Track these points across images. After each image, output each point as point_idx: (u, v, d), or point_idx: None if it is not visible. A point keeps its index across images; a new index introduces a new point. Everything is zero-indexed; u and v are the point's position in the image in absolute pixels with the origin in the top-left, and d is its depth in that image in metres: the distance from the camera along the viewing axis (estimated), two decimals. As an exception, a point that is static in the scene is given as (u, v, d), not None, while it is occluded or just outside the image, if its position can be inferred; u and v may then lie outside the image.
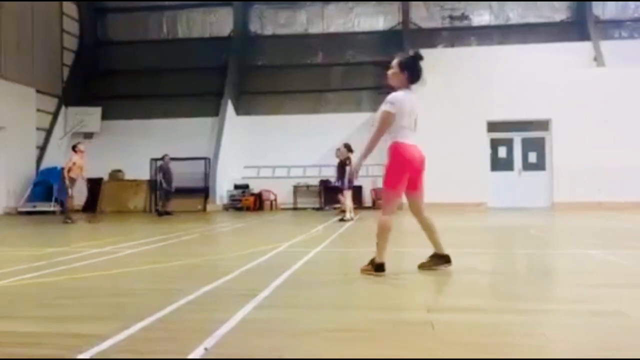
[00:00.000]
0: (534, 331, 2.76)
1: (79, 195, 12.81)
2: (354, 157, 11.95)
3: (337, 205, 15.24)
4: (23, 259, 5.80)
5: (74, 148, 13.00)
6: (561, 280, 4.57)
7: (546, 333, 2.72)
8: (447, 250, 4.66)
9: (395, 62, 4.42)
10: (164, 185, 15.66)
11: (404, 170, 4.34)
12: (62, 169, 12.77)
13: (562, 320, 3.00)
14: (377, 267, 4.34)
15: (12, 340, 2.66)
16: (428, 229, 4.61)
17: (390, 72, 4.46)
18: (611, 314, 3.08)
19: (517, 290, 3.92)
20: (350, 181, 11.64)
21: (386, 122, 4.32)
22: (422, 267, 4.63)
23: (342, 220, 11.30)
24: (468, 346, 2.48)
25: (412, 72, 4.36)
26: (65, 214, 12.53)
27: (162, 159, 16.00)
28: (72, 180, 12.50)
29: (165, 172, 15.74)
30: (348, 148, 12.00)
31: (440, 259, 4.59)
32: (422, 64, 4.37)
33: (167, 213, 15.50)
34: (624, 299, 3.50)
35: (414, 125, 4.48)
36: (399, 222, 12.04)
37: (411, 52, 4.43)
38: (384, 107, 4.34)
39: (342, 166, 11.94)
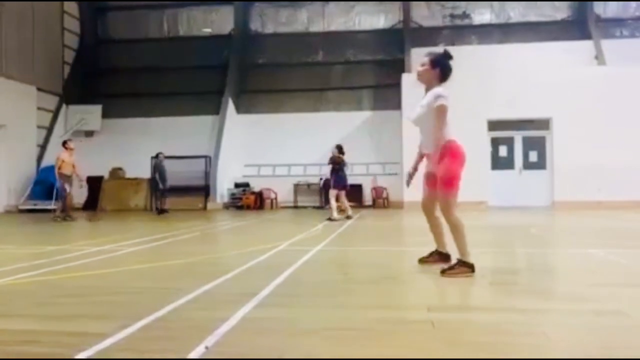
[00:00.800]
0: (534, 330, 2.76)
1: (76, 193, 12.78)
2: (345, 158, 11.97)
3: (337, 204, 15.23)
4: (23, 257, 5.81)
5: (64, 144, 12.92)
6: (561, 280, 4.57)
7: (546, 332, 2.71)
8: (448, 250, 4.68)
9: (426, 59, 4.41)
10: (160, 184, 15.56)
11: (462, 167, 4.36)
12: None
13: (563, 319, 3.00)
14: (471, 266, 4.22)
15: (11, 339, 2.66)
16: (438, 231, 4.72)
17: (421, 69, 4.44)
18: (611, 313, 3.08)
19: (518, 290, 3.92)
20: (337, 181, 11.60)
21: (445, 116, 4.30)
22: (422, 261, 4.70)
23: (329, 219, 11.11)
24: (468, 345, 2.48)
25: (443, 69, 4.38)
26: (64, 211, 12.50)
27: (156, 157, 15.87)
28: (66, 177, 12.44)
29: (160, 170, 15.61)
30: (339, 149, 11.90)
31: (445, 259, 4.65)
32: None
33: (164, 211, 15.47)
34: (624, 298, 3.49)
35: None
36: (399, 221, 12.03)
37: (442, 50, 4.43)
38: (441, 101, 4.27)
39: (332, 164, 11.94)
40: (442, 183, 4.30)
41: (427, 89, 4.45)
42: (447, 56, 4.39)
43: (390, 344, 2.52)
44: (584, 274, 4.63)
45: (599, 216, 12.19)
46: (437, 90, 4.33)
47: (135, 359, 2.33)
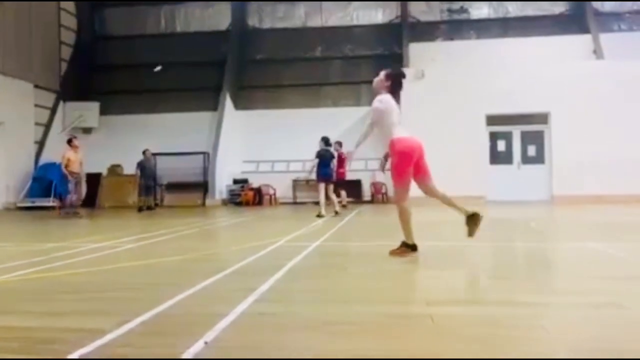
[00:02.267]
0: (533, 323, 2.76)
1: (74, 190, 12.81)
2: (344, 150, 11.86)
3: (337, 200, 15.22)
4: (22, 255, 5.80)
5: (69, 142, 12.91)
6: (560, 273, 4.58)
7: (545, 325, 2.72)
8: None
9: (383, 72, 5.22)
10: (142, 180, 15.40)
11: (408, 162, 4.89)
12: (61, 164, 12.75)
13: (561, 312, 3.01)
14: (412, 247, 4.94)
15: (10, 336, 2.65)
16: (447, 201, 5.06)
17: (376, 78, 5.23)
18: (610, 306, 3.08)
19: (517, 283, 3.93)
20: (324, 174, 11.33)
21: (376, 117, 5.03)
22: (470, 234, 4.98)
23: (318, 216, 10.70)
24: (467, 339, 2.49)
25: (393, 84, 5.16)
26: (67, 208, 12.57)
27: (143, 153, 15.77)
28: (74, 175, 12.51)
29: (143, 167, 15.48)
30: (325, 142, 11.75)
31: (472, 219, 4.97)
32: (411, 70, 4.96)
33: (149, 208, 15.39)
34: (623, 291, 3.50)
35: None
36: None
37: (399, 70, 5.39)
38: (375, 104, 5.06)
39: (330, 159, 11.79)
40: (392, 177, 5.00)
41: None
42: (402, 75, 5.28)
43: (389, 339, 2.53)
44: (582, 267, 4.64)
45: (597, 210, 12.21)
46: (381, 95, 5.12)
47: (134, 358, 2.33)
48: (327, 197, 11.45)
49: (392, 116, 5.02)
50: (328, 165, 11.53)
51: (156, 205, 18.65)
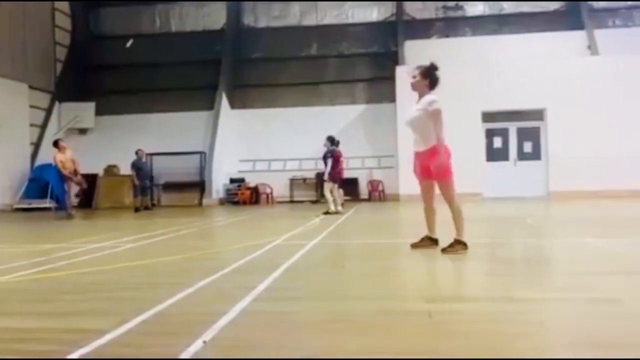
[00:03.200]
0: (531, 319, 2.78)
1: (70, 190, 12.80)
2: (341, 148, 11.77)
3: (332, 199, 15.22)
4: (22, 256, 5.79)
5: (55, 145, 12.77)
6: (558, 269, 4.60)
7: (543, 321, 2.74)
8: (445, 240, 4.76)
9: (417, 71, 5.13)
10: (136, 181, 15.36)
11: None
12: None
13: (559, 308, 3.03)
14: (464, 244, 5.00)
15: (11, 337, 2.66)
16: (433, 213, 5.29)
17: (414, 80, 5.14)
18: (607, 301, 3.10)
19: (515, 280, 3.95)
20: (330, 173, 11.32)
21: (441, 118, 5.00)
22: (444, 250, 4.98)
23: (326, 213, 10.90)
24: (466, 335, 2.50)
25: (432, 79, 5.10)
26: (65, 210, 12.58)
27: (136, 153, 15.72)
28: (72, 175, 12.50)
29: (138, 168, 15.43)
30: (331, 141, 11.68)
31: (459, 244, 5.01)
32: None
33: (146, 208, 15.35)
34: (620, 287, 3.53)
35: None
36: (395, 214, 12.06)
37: (429, 63, 5.11)
38: (435, 105, 4.98)
39: (324, 158, 11.67)
40: (443, 176, 5.05)
41: (420, 96, 5.14)
42: (434, 68, 5.12)
43: (388, 336, 2.54)
44: (579, 263, 4.66)
45: (594, 205, 12.26)
46: (430, 97, 5.05)
47: (134, 358, 2.33)
48: (323, 195, 11.47)
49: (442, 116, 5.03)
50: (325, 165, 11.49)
51: (153, 205, 18.66)
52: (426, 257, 4.93)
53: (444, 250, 4.98)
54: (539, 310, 2.97)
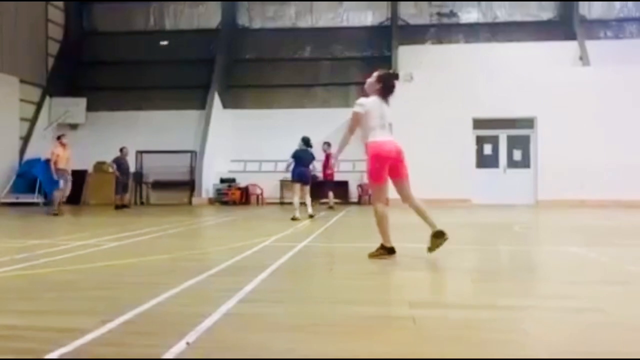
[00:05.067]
0: (515, 327, 2.80)
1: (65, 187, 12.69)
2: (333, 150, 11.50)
3: (324, 200, 15.24)
4: (4, 251, 5.72)
5: (58, 139, 12.86)
6: (542, 277, 4.63)
7: (526, 329, 2.75)
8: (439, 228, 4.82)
9: (376, 74, 5.17)
10: (119, 178, 15.30)
11: (382, 164, 4.93)
12: (48, 160, 12.59)
13: (543, 316, 3.04)
14: (389, 250, 4.96)
15: (-9, 334, 2.62)
16: (419, 211, 5.05)
17: (369, 80, 5.18)
18: (590, 310, 3.13)
19: (499, 287, 3.96)
20: (299, 175, 10.80)
21: (354, 121, 5.08)
22: (430, 250, 4.92)
23: (292, 219, 10.20)
24: (449, 341, 2.51)
25: (385, 86, 5.11)
26: (52, 206, 12.44)
27: (120, 150, 15.61)
28: (62, 172, 12.36)
29: (119, 164, 15.35)
30: (305, 142, 11.37)
31: (438, 236, 4.88)
32: (404, 70, 4.95)
33: (124, 206, 15.28)
34: (603, 296, 3.55)
35: (388, 129, 5.11)
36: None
37: (391, 71, 5.30)
38: (354, 108, 5.09)
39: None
40: (367, 179, 5.17)
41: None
42: (394, 76, 5.24)
43: (372, 340, 2.54)
44: (564, 271, 4.70)
45: (581, 215, 12.36)
46: (362, 98, 5.15)
47: (115, 358, 2.31)
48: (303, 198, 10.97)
49: (372, 120, 4.99)
50: (306, 166, 11.01)
51: (142, 203, 18.56)
52: (412, 262, 4.94)
53: (370, 254, 4.99)
54: (523, 318, 2.98)
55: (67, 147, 12.60)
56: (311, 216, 10.56)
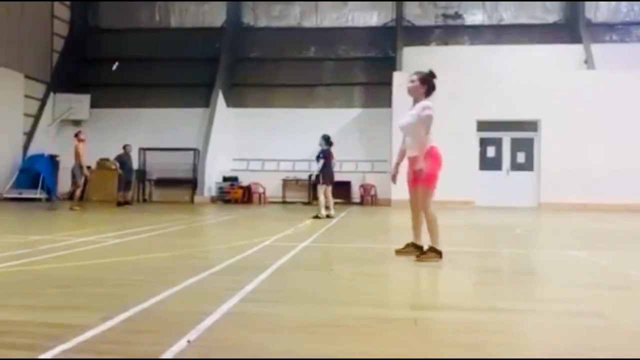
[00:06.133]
0: (515, 330, 2.80)
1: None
2: (333, 150, 11.30)
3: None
4: (6, 247, 5.74)
5: (76, 135, 13.22)
6: (543, 280, 4.62)
7: (526, 332, 2.75)
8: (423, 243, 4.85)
9: (416, 77, 5.18)
10: (122, 175, 15.33)
11: (440, 168, 5.10)
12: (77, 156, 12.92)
13: (542, 320, 3.04)
14: (440, 253, 4.96)
15: (-7, 329, 2.63)
16: (420, 221, 5.19)
17: (411, 85, 5.19)
18: (590, 314, 3.12)
19: (500, 290, 3.96)
20: (325, 176, 10.86)
21: (430, 124, 5.02)
22: (418, 258, 4.99)
23: (315, 217, 10.46)
24: (449, 344, 2.51)
25: (429, 87, 5.17)
26: (72, 200, 12.89)
27: (123, 148, 15.64)
28: (82, 167, 12.91)
29: (122, 162, 15.38)
30: (326, 140, 11.07)
31: (433, 251, 5.00)
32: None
33: (127, 203, 15.32)
34: (603, 300, 3.55)
35: None
36: (386, 219, 12.06)
37: (429, 70, 5.20)
38: (428, 112, 5.01)
39: (317, 158, 11.13)
40: (423, 181, 5.00)
41: (415, 101, 5.18)
42: (432, 75, 5.19)
43: (372, 342, 2.54)
44: (565, 275, 4.69)
45: (583, 218, 12.33)
46: (425, 102, 5.10)
47: (116, 356, 2.32)
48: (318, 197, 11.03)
49: (432, 124, 5.05)
50: (330, 166, 11.00)
51: (144, 200, 18.60)
52: (414, 263, 4.93)
53: (418, 257, 4.98)
54: (522, 321, 2.98)
55: (85, 142, 13.05)
56: (316, 217, 10.60)
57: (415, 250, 5.17)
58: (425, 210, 5.03)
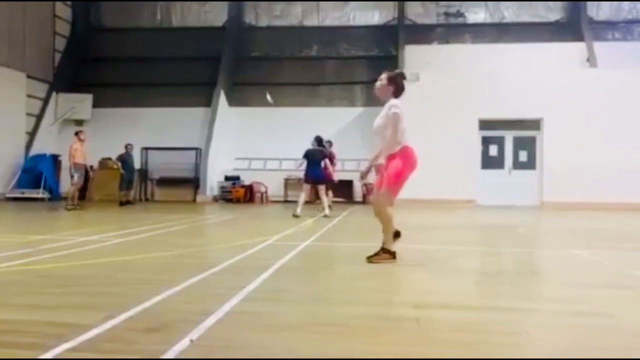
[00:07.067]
0: (518, 330, 2.79)
1: (66, 182, 12.99)
2: (335, 150, 11.39)
3: (318, 202, 15.19)
4: (8, 246, 5.75)
5: (76, 134, 13.19)
6: (546, 280, 4.61)
7: (529, 332, 2.75)
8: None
9: (384, 76, 5.05)
10: (124, 174, 15.35)
11: (411, 170, 4.88)
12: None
13: (546, 319, 3.03)
14: (393, 254, 4.81)
15: (-5, 328, 2.64)
16: (386, 223, 4.97)
17: (378, 84, 5.07)
18: (593, 314, 3.12)
19: (503, 289, 3.95)
20: (313, 176, 10.96)
21: (397, 123, 4.85)
22: (369, 259, 4.83)
23: (294, 215, 10.43)
24: (452, 343, 2.50)
25: (397, 87, 5.01)
26: (69, 200, 12.72)
27: (125, 147, 15.64)
28: (79, 166, 12.71)
29: (124, 161, 15.38)
30: (318, 141, 11.27)
31: (386, 252, 4.86)
32: (410, 70, 4.81)
33: (129, 202, 15.33)
34: (606, 299, 3.54)
35: None
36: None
37: (397, 71, 5.18)
38: (394, 109, 4.87)
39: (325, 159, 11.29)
40: (387, 179, 4.83)
41: (384, 102, 5.05)
42: (401, 76, 5.09)
43: (375, 341, 2.54)
44: (568, 274, 4.68)
45: (586, 217, 12.31)
46: (393, 101, 4.97)
47: (118, 356, 2.32)
48: (318, 197, 11.21)
49: (404, 123, 4.88)
50: (318, 165, 11.03)
51: (146, 200, 18.62)
52: (415, 263, 4.93)
53: (368, 258, 4.80)
54: (525, 321, 2.98)
55: (83, 143, 12.96)
56: (326, 215, 10.56)
57: (396, 237, 4.96)
58: (380, 209, 4.86)
